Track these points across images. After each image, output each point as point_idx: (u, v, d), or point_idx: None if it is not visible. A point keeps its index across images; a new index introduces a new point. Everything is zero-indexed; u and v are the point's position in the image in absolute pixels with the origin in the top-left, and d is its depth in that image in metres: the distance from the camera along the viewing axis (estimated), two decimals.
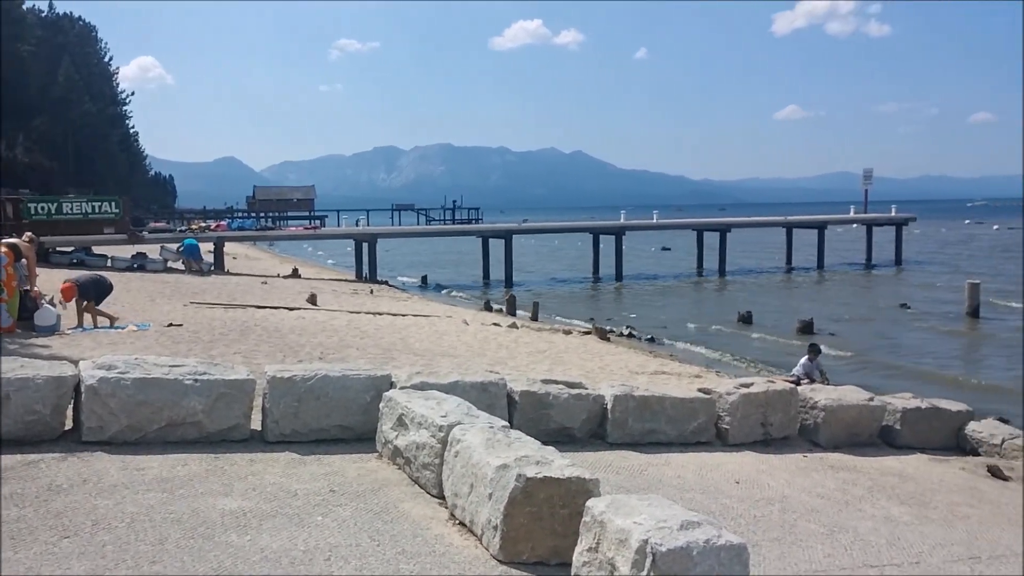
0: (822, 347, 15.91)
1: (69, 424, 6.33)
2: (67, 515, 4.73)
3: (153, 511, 4.90)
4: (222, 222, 57.33)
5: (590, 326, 23.56)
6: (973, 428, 9.67)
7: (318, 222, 70.08)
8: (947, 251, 61.47)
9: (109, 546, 4.37)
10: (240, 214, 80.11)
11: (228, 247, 41.82)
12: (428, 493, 5.66)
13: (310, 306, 22.04)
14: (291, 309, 20.25)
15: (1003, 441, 9.33)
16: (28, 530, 4.49)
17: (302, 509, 5.15)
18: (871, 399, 9.55)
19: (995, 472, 8.36)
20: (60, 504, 4.89)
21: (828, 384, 12.50)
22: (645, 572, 3.67)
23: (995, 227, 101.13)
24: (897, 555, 5.49)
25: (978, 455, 9.29)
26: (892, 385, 15.14)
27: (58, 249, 31.33)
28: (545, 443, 5.49)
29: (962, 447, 9.57)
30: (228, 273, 34.09)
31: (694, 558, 3.68)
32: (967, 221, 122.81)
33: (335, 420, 6.95)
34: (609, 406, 8.15)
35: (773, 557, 5.16)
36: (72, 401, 6.33)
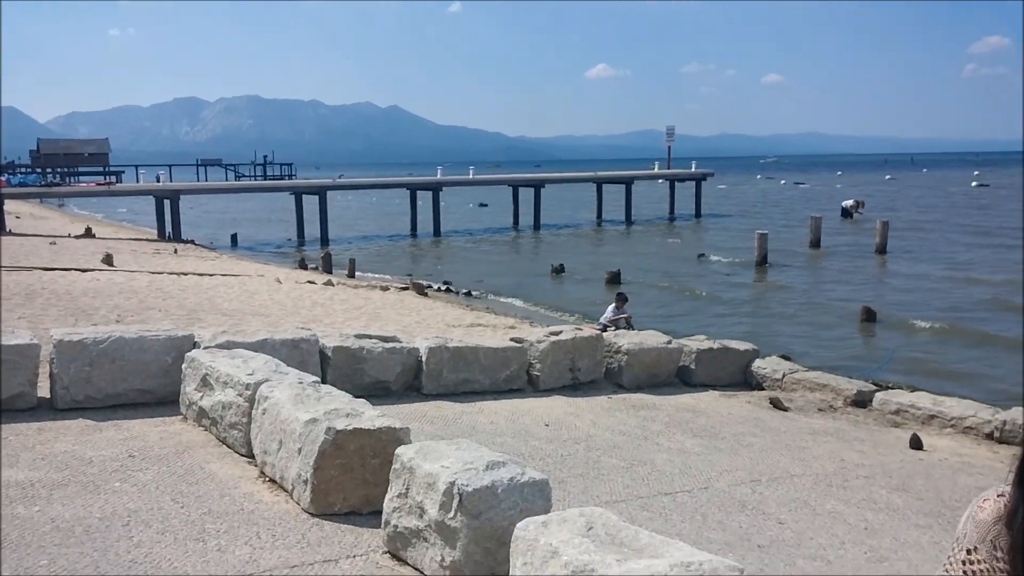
0: (627, 295, 16.77)
1: None
2: None
3: None
4: (1, 178, 51.97)
5: (407, 282, 23.55)
6: (758, 365, 10.56)
7: (113, 178, 65.21)
8: (740, 204, 66.14)
9: None
10: (23, 170, 73.05)
11: (9, 206, 38.14)
12: (237, 453, 5.52)
13: (106, 267, 20.58)
14: (84, 271, 18.83)
15: (784, 376, 10.27)
16: None
17: (98, 476, 4.88)
18: (669, 342, 10.20)
19: (776, 404, 9.21)
20: None
21: (633, 330, 13.22)
22: (452, 512, 3.78)
23: (782, 182, 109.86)
24: (688, 481, 5.96)
25: (763, 389, 10.18)
26: (689, 328, 16.21)
27: None
28: (359, 397, 5.48)
29: (749, 383, 10.44)
30: (11, 234, 31.15)
31: (499, 495, 3.83)
32: (759, 176, 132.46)
33: (133, 384, 6.59)
34: (424, 358, 8.23)
35: (577, 491, 5.45)
36: None
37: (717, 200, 67.76)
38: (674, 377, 10.08)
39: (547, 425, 7.32)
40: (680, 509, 5.33)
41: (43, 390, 6.47)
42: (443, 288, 24.28)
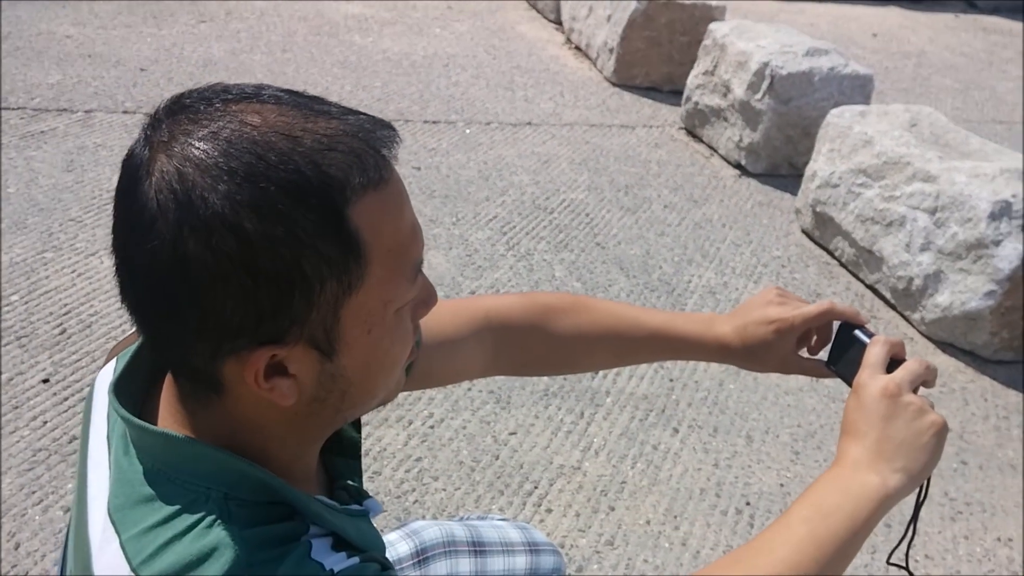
0: None
1: None
2: (202, 3, 4.90)
3: (280, 8, 5.01)
4: None
5: None
6: None
7: None
8: None
9: (243, 33, 4.56)
10: None
11: None
12: (545, 18, 5.56)
13: None
14: None
15: None
16: (168, 12, 4.71)
17: (421, 21, 5.16)
18: None
19: None
20: None
21: None
22: (760, 94, 3.62)
23: None
24: None
25: None
26: None
27: None
28: None
29: None
30: None
31: (814, 84, 3.58)
32: None
33: None
34: None
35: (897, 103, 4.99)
36: None
37: None
38: None
39: (875, 35, 6.58)
40: (1015, 139, 4.76)
41: None
42: None
